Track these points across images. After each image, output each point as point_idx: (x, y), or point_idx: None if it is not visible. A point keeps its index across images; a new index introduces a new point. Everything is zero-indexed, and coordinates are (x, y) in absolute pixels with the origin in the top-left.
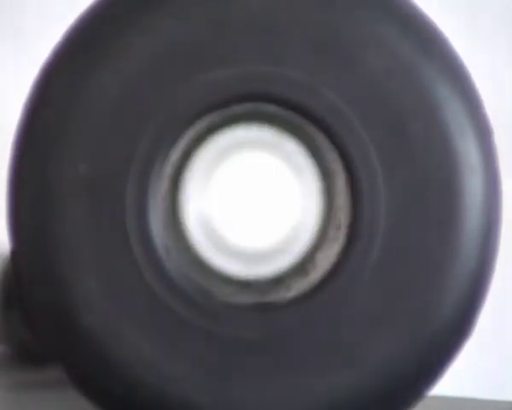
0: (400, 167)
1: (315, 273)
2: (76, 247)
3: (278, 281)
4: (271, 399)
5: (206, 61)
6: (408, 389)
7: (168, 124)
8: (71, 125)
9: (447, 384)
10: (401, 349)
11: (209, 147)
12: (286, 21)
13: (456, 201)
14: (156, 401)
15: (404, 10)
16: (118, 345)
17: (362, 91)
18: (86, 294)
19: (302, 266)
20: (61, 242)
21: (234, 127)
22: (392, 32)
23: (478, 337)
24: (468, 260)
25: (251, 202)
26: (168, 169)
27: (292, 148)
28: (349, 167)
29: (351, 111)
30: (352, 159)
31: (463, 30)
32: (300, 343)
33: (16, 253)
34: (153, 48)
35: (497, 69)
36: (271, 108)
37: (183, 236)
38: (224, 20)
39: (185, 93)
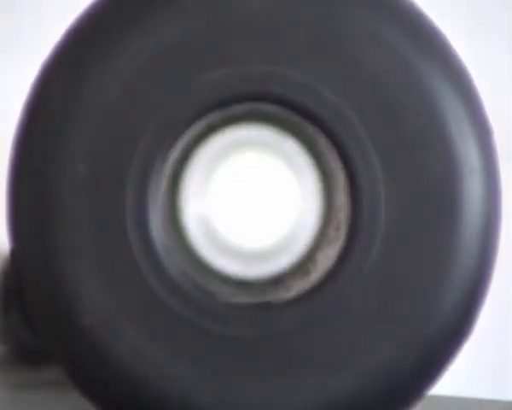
0: (400, 167)
1: (315, 273)
2: (76, 247)
3: (278, 281)
4: (271, 399)
5: (206, 61)
6: (408, 389)
7: (168, 124)
8: (71, 125)
9: (447, 384)
10: (401, 349)
11: (209, 147)
12: (286, 21)
13: (456, 201)
14: (156, 401)
15: (403, 10)
16: (117, 345)
17: (362, 91)
18: (86, 294)
19: (302, 266)
20: (60, 242)
21: (234, 127)
22: (391, 31)
23: (478, 337)
24: (467, 260)
25: (251, 201)
26: (168, 169)
27: (292, 148)
28: (349, 167)
29: (351, 111)
30: (351, 159)
31: (463, 29)
32: (300, 343)
33: (16, 253)
34: (153, 48)
35: (497, 69)
36: (271, 108)
37: (183, 236)
38: (223, 21)
39: (185, 93)
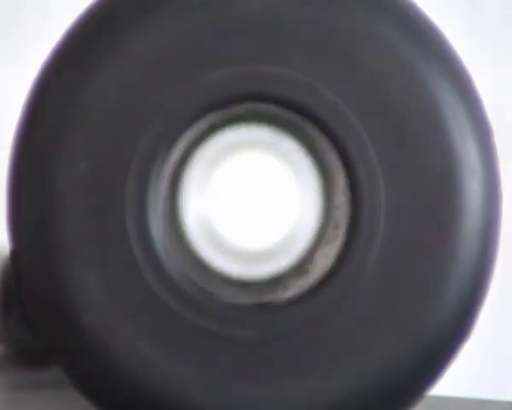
0: (400, 167)
1: (314, 273)
2: (76, 246)
3: (278, 281)
4: (271, 399)
5: (206, 61)
6: (408, 389)
7: (168, 124)
8: (71, 125)
9: (447, 384)
10: (401, 349)
11: (209, 147)
12: (286, 21)
13: (456, 201)
14: (155, 401)
15: (403, 10)
16: (117, 345)
17: (361, 91)
18: (86, 293)
19: (301, 266)
20: (60, 241)
21: (234, 127)
22: (391, 31)
23: (478, 337)
24: (467, 260)
25: (250, 201)
26: (168, 169)
27: (291, 147)
28: (349, 167)
29: (350, 111)
30: (351, 158)
31: (463, 29)
32: (300, 343)
33: (16, 252)
34: (153, 48)
35: (497, 69)
36: (271, 108)
37: (183, 236)
38: (224, 21)
39: (185, 93)
